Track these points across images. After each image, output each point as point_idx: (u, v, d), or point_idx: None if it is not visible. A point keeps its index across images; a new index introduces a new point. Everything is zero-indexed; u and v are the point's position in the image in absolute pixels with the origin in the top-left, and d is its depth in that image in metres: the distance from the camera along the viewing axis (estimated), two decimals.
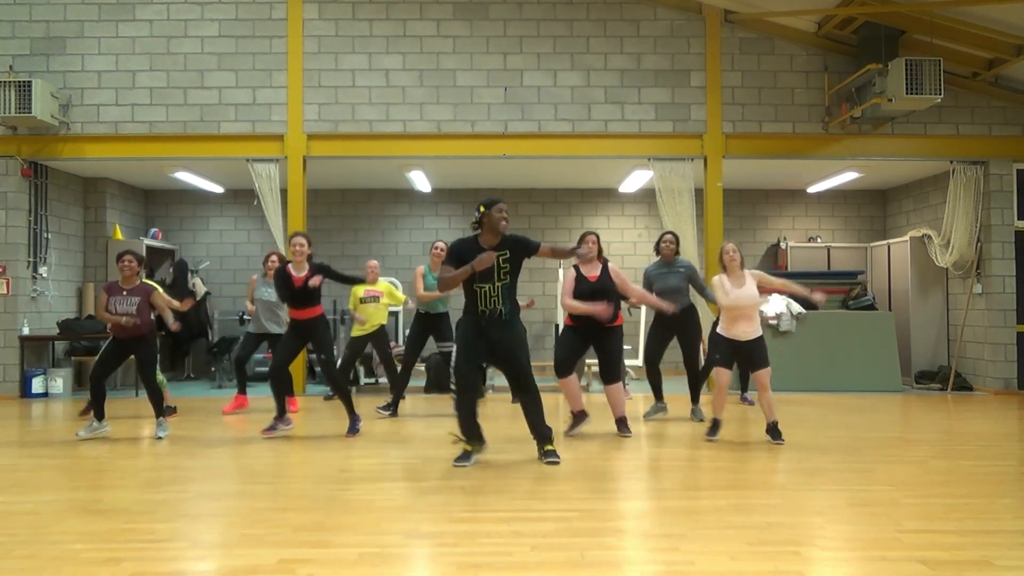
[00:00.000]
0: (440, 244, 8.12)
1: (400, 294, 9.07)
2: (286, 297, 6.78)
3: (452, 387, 5.57)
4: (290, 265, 6.83)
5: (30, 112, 9.28)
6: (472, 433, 5.57)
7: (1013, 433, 7.11)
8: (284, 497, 4.71)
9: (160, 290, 7.18)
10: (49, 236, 10.46)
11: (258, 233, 12.36)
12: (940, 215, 10.84)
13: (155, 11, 10.07)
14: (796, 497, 4.64)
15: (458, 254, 5.48)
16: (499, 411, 8.42)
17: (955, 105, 10.18)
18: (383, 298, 8.84)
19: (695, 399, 7.72)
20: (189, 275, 11.99)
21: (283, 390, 6.88)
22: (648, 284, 7.50)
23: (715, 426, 6.53)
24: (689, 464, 5.69)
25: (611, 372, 6.68)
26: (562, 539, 3.81)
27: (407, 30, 10.11)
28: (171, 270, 12.20)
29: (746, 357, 6.41)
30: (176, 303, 7.53)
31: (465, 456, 5.54)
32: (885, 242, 12.17)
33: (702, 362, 7.95)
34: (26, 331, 9.97)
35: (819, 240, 12.88)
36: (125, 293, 6.67)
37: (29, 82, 9.32)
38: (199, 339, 12.10)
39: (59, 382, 10.03)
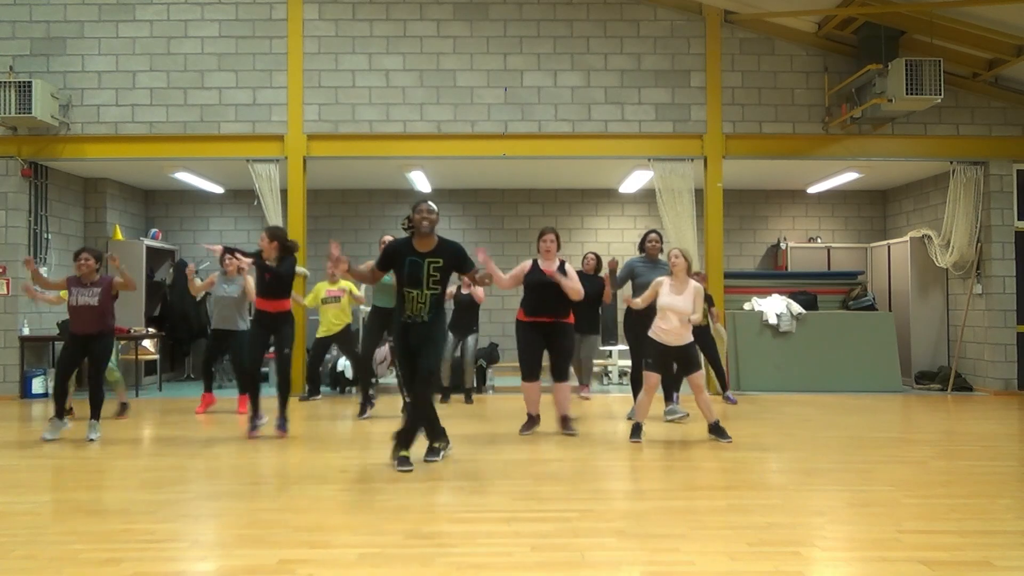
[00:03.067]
0: (387, 237, 7.67)
1: (359, 292, 9.17)
2: (258, 285, 6.83)
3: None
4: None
5: (30, 112, 9.28)
6: (438, 432, 5.70)
7: (1013, 433, 7.10)
8: (284, 497, 4.71)
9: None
10: (49, 236, 10.47)
11: (258, 233, 12.29)
12: (940, 215, 10.84)
13: (155, 11, 10.08)
14: (796, 497, 4.63)
15: (387, 255, 5.51)
16: (501, 411, 8.41)
17: (955, 105, 10.18)
18: (344, 297, 9.05)
19: (668, 397, 7.73)
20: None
21: (258, 387, 6.94)
22: (630, 275, 7.53)
23: (637, 429, 6.51)
24: (689, 464, 5.68)
25: (561, 370, 6.74)
26: (562, 539, 3.81)
27: (407, 30, 10.11)
28: (171, 270, 12.20)
29: (679, 361, 6.52)
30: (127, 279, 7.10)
31: (435, 451, 5.67)
32: (885, 242, 12.17)
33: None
34: (26, 331, 9.96)
35: (819, 240, 12.88)
36: (88, 284, 6.69)
37: (29, 82, 9.32)
38: (199, 339, 12.11)
39: None
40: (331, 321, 9.03)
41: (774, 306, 10.44)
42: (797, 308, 10.40)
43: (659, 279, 6.56)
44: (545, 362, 6.84)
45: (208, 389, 8.52)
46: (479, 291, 9.03)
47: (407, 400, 5.84)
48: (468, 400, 9.15)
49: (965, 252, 10.46)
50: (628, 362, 10.46)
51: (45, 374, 10.01)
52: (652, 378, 6.49)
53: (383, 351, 9.79)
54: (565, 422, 6.86)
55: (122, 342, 10.60)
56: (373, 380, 8.45)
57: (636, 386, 7.69)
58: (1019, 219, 10.33)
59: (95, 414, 6.76)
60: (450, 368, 9.20)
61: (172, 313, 11.78)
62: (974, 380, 10.52)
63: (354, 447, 6.33)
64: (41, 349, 10.26)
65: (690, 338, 6.45)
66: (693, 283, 6.45)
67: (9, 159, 9.92)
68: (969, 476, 5.24)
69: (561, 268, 6.70)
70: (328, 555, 3.59)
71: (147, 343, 10.91)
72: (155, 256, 12.17)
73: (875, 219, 13.16)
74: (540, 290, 6.66)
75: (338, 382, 10.18)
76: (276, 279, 6.76)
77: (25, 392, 9.79)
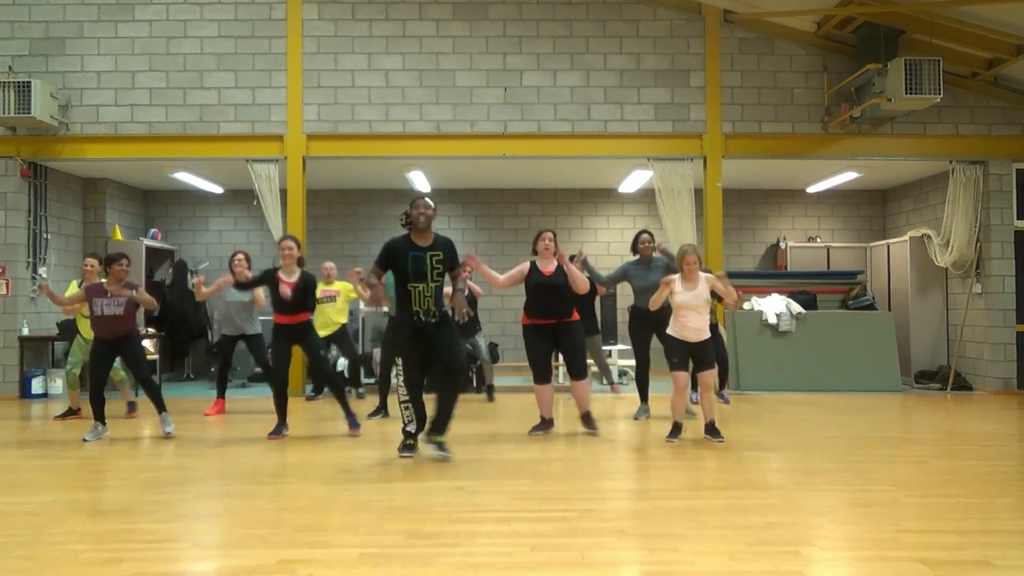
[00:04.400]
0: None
1: (354, 294, 9.12)
2: (275, 303, 6.72)
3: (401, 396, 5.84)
4: (279, 271, 6.78)
5: (29, 113, 9.28)
6: (413, 435, 5.83)
7: (1013, 433, 7.11)
8: (284, 497, 4.71)
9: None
10: (48, 237, 10.46)
11: (258, 233, 12.35)
12: (940, 215, 10.84)
13: (154, 11, 10.07)
14: (796, 497, 4.64)
15: (388, 254, 5.56)
16: (501, 411, 8.41)
17: (954, 105, 10.18)
18: (339, 297, 9.09)
19: (723, 384, 7.94)
20: (189, 275, 11.99)
21: (285, 398, 6.83)
22: (623, 277, 7.56)
23: (676, 429, 6.48)
24: (689, 464, 5.68)
25: (577, 368, 6.72)
26: (562, 539, 3.81)
27: (407, 30, 10.11)
28: (171, 270, 12.21)
29: (695, 357, 6.47)
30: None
31: (411, 448, 5.80)
32: (885, 242, 12.18)
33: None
34: (26, 332, 9.96)
35: (819, 240, 12.88)
36: (110, 294, 6.64)
37: (28, 82, 9.32)
38: (199, 339, 12.11)
39: (59, 383, 10.01)
40: (327, 321, 9.05)
41: (774, 306, 10.44)
42: (797, 308, 10.40)
43: (668, 278, 6.48)
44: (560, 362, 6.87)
45: (222, 395, 8.41)
46: (475, 286, 9.04)
47: (404, 399, 5.88)
48: (491, 398, 9.30)
49: (964, 251, 10.46)
50: (628, 362, 10.49)
51: (45, 374, 10.01)
52: (681, 378, 6.44)
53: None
54: (587, 419, 6.82)
55: None
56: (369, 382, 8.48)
57: (642, 386, 7.76)
58: (1018, 218, 10.33)
59: (161, 407, 6.83)
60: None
61: (172, 313, 11.77)
62: (974, 379, 10.53)
63: (355, 447, 6.33)
64: (41, 349, 10.26)
65: (708, 334, 6.43)
66: (702, 275, 6.44)
67: (8, 159, 9.92)
68: (969, 475, 5.24)
69: (559, 267, 6.67)
70: (328, 555, 3.59)
71: (147, 343, 10.91)
72: (155, 256, 12.16)
73: (874, 219, 13.16)
74: (541, 292, 6.63)
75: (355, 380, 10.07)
76: (292, 295, 6.66)
77: (25, 392, 9.79)
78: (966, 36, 9.29)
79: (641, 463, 5.76)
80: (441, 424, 5.66)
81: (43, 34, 10.04)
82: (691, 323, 6.36)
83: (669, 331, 6.50)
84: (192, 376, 12.28)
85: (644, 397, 7.77)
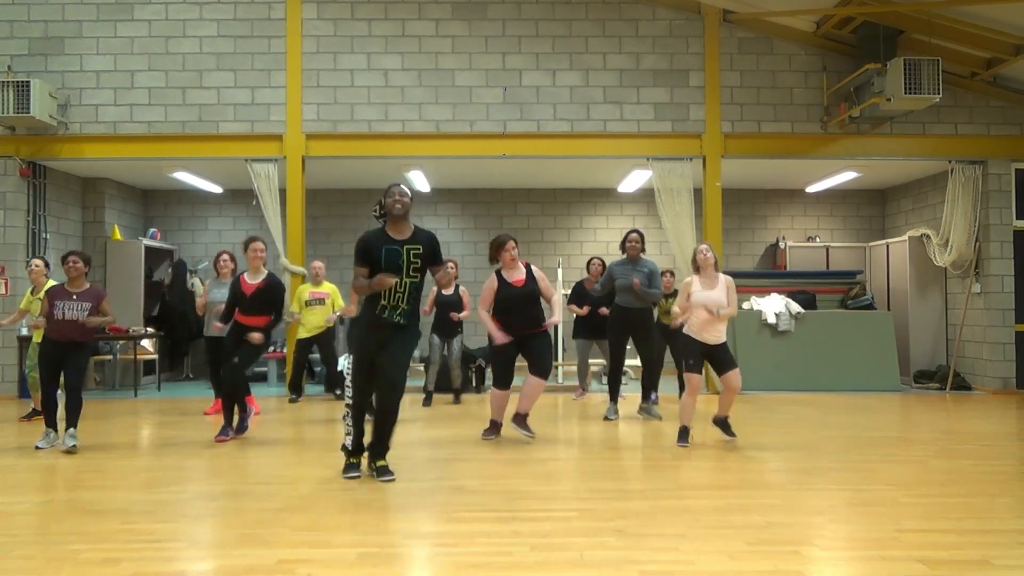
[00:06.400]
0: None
1: (340, 300, 9.14)
2: (238, 304, 6.51)
3: (347, 397, 5.27)
4: (245, 274, 6.63)
5: (28, 112, 9.26)
6: (358, 447, 5.21)
7: (1012, 433, 7.11)
8: (283, 497, 4.71)
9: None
10: (48, 236, 10.45)
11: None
12: (939, 215, 10.84)
13: (154, 11, 10.06)
14: (795, 497, 4.64)
15: (364, 248, 5.02)
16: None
17: (954, 105, 10.18)
18: (328, 300, 9.03)
19: (646, 396, 7.71)
20: (188, 275, 11.99)
21: (241, 394, 6.67)
22: (610, 279, 7.48)
23: (684, 433, 6.32)
24: (689, 464, 5.69)
25: (541, 367, 6.40)
26: (562, 539, 3.81)
27: (406, 30, 10.10)
28: (170, 270, 12.20)
29: (714, 359, 6.26)
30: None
31: (353, 467, 5.17)
32: (884, 242, 12.18)
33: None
34: (24, 331, 9.94)
35: (818, 240, 12.88)
36: (75, 297, 6.20)
37: (28, 82, 9.30)
38: (198, 339, 12.08)
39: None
40: (315, 323, 9.01)
41: (773, 305, 10.44)
42: (796, 307, 10.40)
43: (687, 279, 6.32)
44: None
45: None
46: (466, 295, 9.00)
47: (347, 405, 5.28)
48: (456, 400, 9.17)
49: (964, 251, 10.46)
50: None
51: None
52: (695, 379, 6.26)
53: None
54: (521, 420, 6.57)
55: (120, 342, 10.61)
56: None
57: (614, 387, 7.71)
58: (1017, 218, 10.33)
59: (72, 421, 6.25)
60: (436, 371, 9.13)
61: (171, 313, 11.77)
62: (972, 379, 10.53)
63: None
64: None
65: (724, 336, 6.26)
66: (723, 276, 6.26)
67: (7, 159, 9.91)
68: (968, 475, 5.24)
69: (529, 271, 6.47)
70: (327, 555, 3.59)
71: (146, 343, 10.91)
72: (154, 256, 12.15)
73: (874, 218, 13.16)
74: (510, 304, 6.36)
75: (338, 383, 10.05)
76: (255, 296, 6.50)
77: (24, 392, 9.77)
78: (965, 36, 9.29)
79: (640, 463, 5.76)
80: (378, 446, 5.09)
81: (42, 34, 10.03)
82: (710, 323, 6.14)
83: (686, 330, 6.29)
84: (191, 376, 12.27)
85: (614, 397, 7.72)
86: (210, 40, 10.08)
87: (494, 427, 6.66)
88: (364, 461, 5.21)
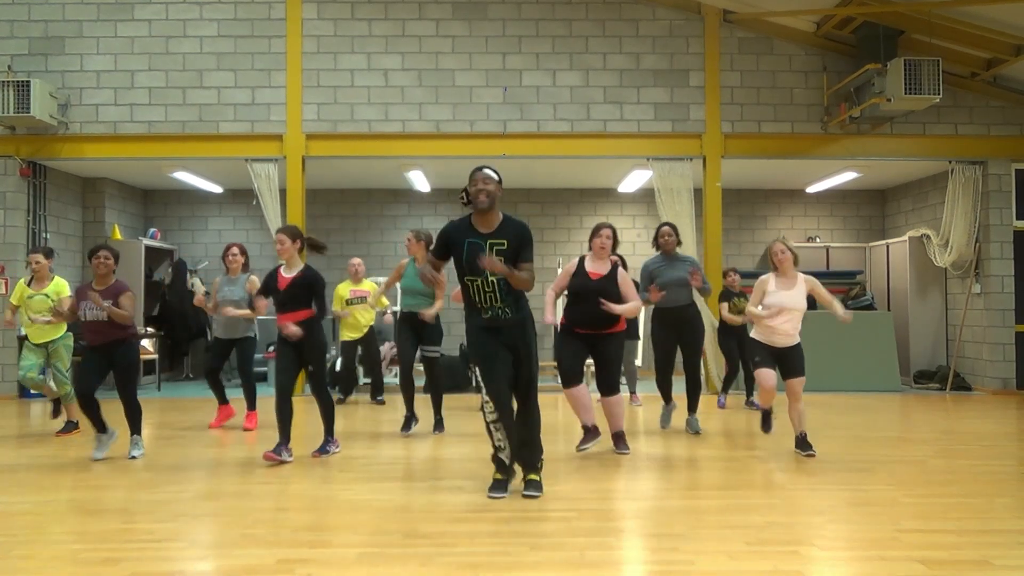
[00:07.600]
0: (410, 234, 6.95)
1: (386, 300, 8.83)
2: (271, 296, 5.80)
3: (484, 410, 4.64)
4: (281, 267, 5.85)
5: (29, 112, 9.27)
6: (508, 466, 4.70)
7: (1012, 433, 7.11)
8: (283, 497, 4.71)
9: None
10: (48, 236, 10.45)
11: (257, 233, 12.34)
12: (939, 215, 10.84)
13: (154, 11, 10.07)
14: (795, 497, 4.64)
15: (444, 241, 4.63)
16: None
17: (954, 105, 10.18)
18: (369, 298, 8.67)
19: (692, 408, 6.88)
20: (188, 275, 12.00)
21: (289, 413, 5.66)
22: (650, 279, 6.66)
23: (767, 418, 6.12)
24: (689, 464, 5.68)
25: (609, 383, 5.88)
26: (562, 539, 3.81)
27: (406, 30, 10.11)
28: (170, 270, 12.20)
29: (782, 363, 5.77)
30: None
31: (502, 485, 4.66)
32: (884, 242, 12.18)
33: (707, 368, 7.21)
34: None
35: (818, 240, 12.89)
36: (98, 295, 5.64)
37: (28, 82, 9.31)
38: (198, 339, 12.11)
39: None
40: (356, 323, 8.69)
41: None
42: None
43: (762, 277, 5.82)
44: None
45: (223, 401, 7.49)
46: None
47: (491, 418, 4.63)
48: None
49: (964, 252, 10.46)
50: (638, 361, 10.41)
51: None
52: (767, 376, 5.72)
53: (384, 349, 9.70)
54: (620, 439, 5.99)
55: None
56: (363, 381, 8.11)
57: (665, 389, 6.94)
58: (1018, 219, 10.34)
59: (136, 429, 5.92)
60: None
61: (171, 313, 11.78)
62: (972, 379, 10.53)
63: (354, 447, 6.32)
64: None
65: (798, 339, 5.76)
66: (802, 275, 5.76)
67: (7, 159, 9.91)
68: (968, 475, 5.24)
69: (613, 271, 5.89)
70: (327, 555, 3.59)
71: (146, 343, 10.91)
72: (154, 256, 12.16)
73: (874, 219, 13.16)
74: (584, 298, 5.77)
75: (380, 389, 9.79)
76: (289, 290, 5.74)
77: (24, 392, 9.77)
78: (965, 36, 9.29)
79: (640, 463, 5.76)
80: (528, 457, 4.68)
81: (42, 33, 10.03)
82: (781, 327, 5.67)
83: (753, 335, 5.86)
84: (191, 376, 12.28)
85: (667, 398, 6.99)
86: (210, 40, 10.08)
87: (587, 434, 5.87)
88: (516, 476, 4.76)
